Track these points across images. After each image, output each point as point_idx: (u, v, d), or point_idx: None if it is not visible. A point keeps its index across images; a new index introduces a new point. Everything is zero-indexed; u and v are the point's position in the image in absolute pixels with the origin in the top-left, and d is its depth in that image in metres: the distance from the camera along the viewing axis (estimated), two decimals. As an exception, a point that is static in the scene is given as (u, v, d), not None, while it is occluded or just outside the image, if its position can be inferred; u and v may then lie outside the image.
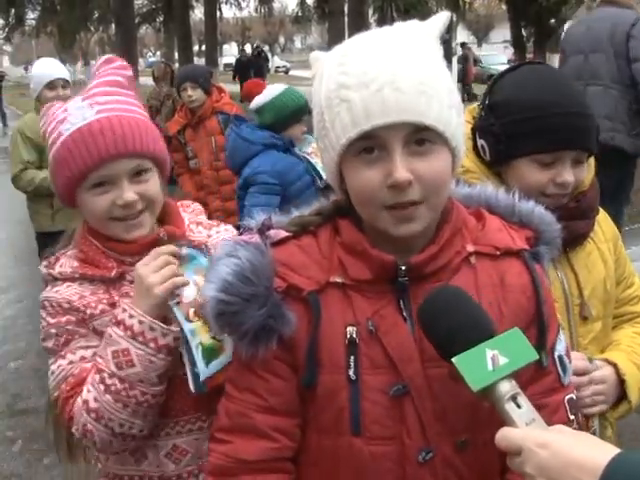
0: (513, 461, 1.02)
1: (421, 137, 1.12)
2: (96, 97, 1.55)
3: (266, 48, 66.32)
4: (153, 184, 1.57)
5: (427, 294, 1.15)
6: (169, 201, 1.69)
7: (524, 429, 1.02)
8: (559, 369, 1.28)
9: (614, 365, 1.71)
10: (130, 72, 1.64)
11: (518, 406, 1.04)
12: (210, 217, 5.36)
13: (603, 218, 1.85)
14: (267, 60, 29.24)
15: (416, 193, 1.13)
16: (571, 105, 1.60)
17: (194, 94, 5.28)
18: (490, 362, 1.06)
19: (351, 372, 1.18)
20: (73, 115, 1.53)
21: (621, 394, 1.71)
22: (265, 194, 3.88)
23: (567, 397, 1.29)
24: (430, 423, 1.19)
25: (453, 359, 1.06)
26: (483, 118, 1.68)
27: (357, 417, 1.19)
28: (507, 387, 1.05)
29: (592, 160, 1.76)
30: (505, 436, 1.02)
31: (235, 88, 27.02)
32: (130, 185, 1.52)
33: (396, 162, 1.11)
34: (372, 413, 1.19)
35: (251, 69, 25.69)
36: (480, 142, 1.70)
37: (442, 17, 1.23)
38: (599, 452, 0.95)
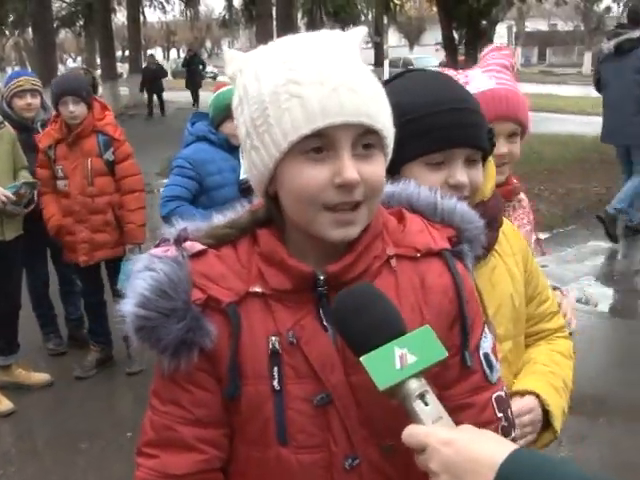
0: (418, 458, 1.07)
1: (368, 141, 1.15)
2: (492, 72, 2.00)
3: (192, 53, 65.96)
4: (517, 147, 2.03)
5: (336, 297, 1.17)
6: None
7: (430, 427, 1.06)
8: (485, 367, 1.30)
9: (536, 395, 1.71)
10: (511, 59, 2.07)
11: (425, 404, 1.07)
12: (74, 249, 5.30)
13: (510, 229, 1.84)
14: (204, 65, 28.17)
15: (360, 194, 1.15)
16: (454, 101, 1.59)
17: (76, 109, 4.78)
18: (398, 361, 1.08)
19: (275, 382, 1.20)
20: (477, 81, 1.97)
21: (544, 423, 1.72)
22: (179, 176, 4.15)
23: (495, 395, 1.31)
24: (355, 430, 1.21)
25: (361, 358, 1.08)
26: None
27: (283, 427, 1.21)
28: (415, 385, 1.07)
29: (492, 169, 1.75)
30: (411, 434, 1.06)
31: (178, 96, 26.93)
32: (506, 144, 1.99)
33: (346, 162, 1.12)
34: (297, 422, 1.21)
35: (193, 71, 25.30)
36: None
37: (361, 31, 1.27)
38: (500, 448, 1.02)
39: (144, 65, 24.91)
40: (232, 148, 4.24)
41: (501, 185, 2.02)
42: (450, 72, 1.94)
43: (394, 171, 1.58)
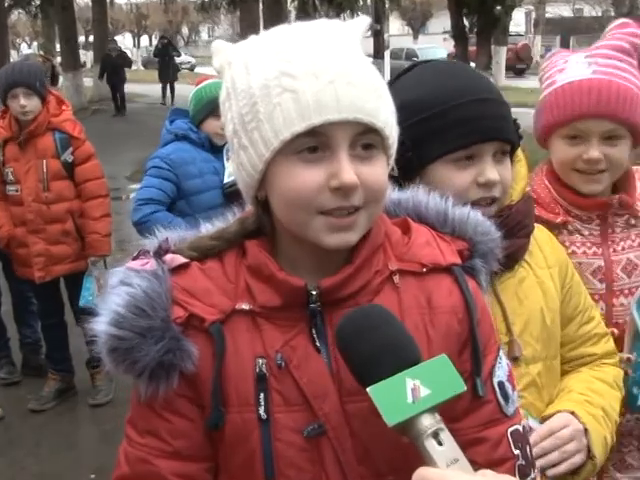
0: None
1: (367, 141, 1.17)
2: (597, 57, 1.99)
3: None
4: (620, 150, 1.98)
5: (340, 321, 1.18)
6: (630, 170, 2.12)
7: (443, 471, 1.04)
8: (499, 397, 1.30)
9: (570, 412, 1.71)
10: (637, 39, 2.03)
11: (440, 443, 1.06)
12: (28, 263, 5.28)
13: (545, 238, 1.85)
14: (178, 53, 27.80)
15: (359, 199, 1.16)
16: (479, 91, 1.61)
17: (29, 103, 4.74)
18: (410, 393, 1.07)
19: (261, 410, 1.21)
20: (571, 68, 1.99)
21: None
22: (155, 177, 4.17)
23: (511, 429, 1.30)
24: (351, 465, 1.21)
25: (368, 389, 1.08)
26: None
27: (270, 460, 1.21)
28: (428, 422, 1.07)
29: (524, 169, 1.77)
30: (422, 477, 1.04)
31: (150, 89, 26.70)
32: (599, 146, 1.95)
33: (343, 163, 1.14)
34: (286, 456, 1.21)
35: (166, 61, 24.81)
36: None
37: (363, 21, 1.28)
38: None
39: (108, 52, 24.16)
40: (215, 149, 4.28)
41: (592, 196, 2.04)
42: (559, 53, 2.05)
43: (413, 174, 1.62)
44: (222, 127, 4.07)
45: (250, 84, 1.17)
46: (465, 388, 1.13)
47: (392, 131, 1.21)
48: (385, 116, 1.18)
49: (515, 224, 1.70)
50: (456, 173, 1.60)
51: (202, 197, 4.18)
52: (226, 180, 4.19)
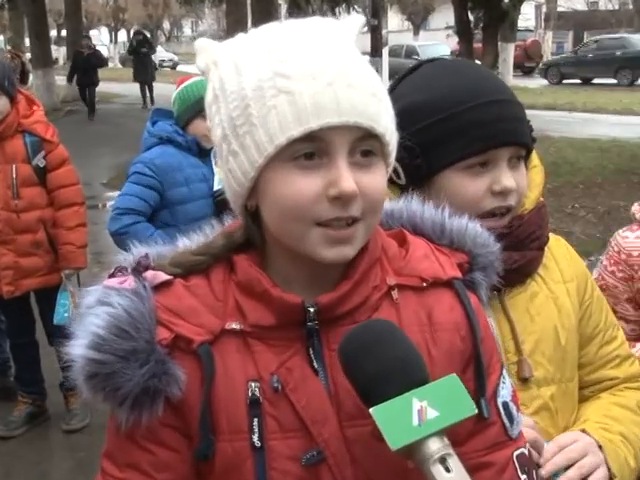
0: None
1: (367, 147, 1.18)
2: None
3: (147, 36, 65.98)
4: None
5: (342, 335, 1.19)
6: None
7: None
8: (504, 419, 1.31)
9: (581, 430, 1.68)
10: None
11: (447, 470, 1.06)
12: None
13: (564, 252, 1.84)
14: (152, 50, 27.01)
15: (357, 209, 1.17)
16: (493, 92, 1.61)
17: None
18: (416, 415, 1.08)
19: (255, 438, 1.20)
20: None
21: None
22: (137, 184, 4.10)
23: (516, 452, 1.32)
24: None
25: (371, 410, 1.09)
26: None
27: None
28: (435, 447, 1.07)
29: (538, 175, 1.76)
30: None
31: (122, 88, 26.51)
32: None
33: (342, 170, 1.14)
34: None
35: (142, 59, 24.21)
36: None
37: (358, 20, 1.30)
38: None
39: (79, 50, 23.28)
40: (203, 152, 4.25)
41: None
42: None
43: (421, 183, 1.62)
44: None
45: (242, 85, 1.17)
46: (476, 411, 1.14)
47: (392, 137, 1.23)
48: (385, 121, 1.20)
49: (527, 235, 1.69)
50: (469, 181, 1.60)
51: (188, 207, 4.16)
52: (216, 187, 4.16)
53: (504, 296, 1.69)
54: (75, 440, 5.10)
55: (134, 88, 25.95)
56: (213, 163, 4.21)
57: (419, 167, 1.61)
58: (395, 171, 1.64)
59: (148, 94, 24.60)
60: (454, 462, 1.07)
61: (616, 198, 11.12)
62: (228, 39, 1.28)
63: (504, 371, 1.37)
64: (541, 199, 1.79)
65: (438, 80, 1.65)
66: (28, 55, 22.77)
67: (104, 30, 70.49)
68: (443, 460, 1.07)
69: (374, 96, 1.18)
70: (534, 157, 1.74)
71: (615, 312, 2.01)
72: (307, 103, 1.13)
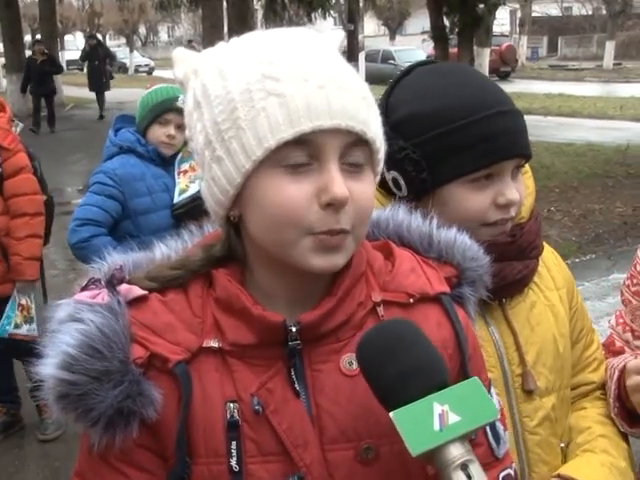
0: None
1: (356, 155, 1.15)
2: None
3: (122, 41, 65.77)
4: None
5: (325, 355, 1.18)
6: None
7: None
8: (491, 439, 1.29)
9: None
10: None
11: (469, 476, 1.05)
12: None
13: (552, 259, 1.85)
14: (112, 58, 25.86)
15: (348, 220, 1.14)
16: (497, 104, 1.59)
17: None
18: (437, 420, 1.06)
19: (233, 462, 1.17)
20: None
21: None
22: (97, 194, 4.04)
23: (503, 473, 1.30)
24: None
25: (391, 414, 1.07)
26: (387, 143, 1.56)
27: None
28: (456, 452, 1.06)
29: (531, 182, 1.76)
30: None
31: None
32: None
33: (334, 174, 1.12)
34: None
35: (96, 67, 22.93)
36: (391, 174, 1.63)
37: (338, 35, 1.28)
38: None
39: (32, 57, 20.96)
40: (166, 162, 4.20)
41: None
42: None
43: (424, 195, 1.60)
44: (168, 135, 4.08)
45: (228, 89, 1.14)
46: (498, 415, 1.12)
47: (381, 145, 1.21)
48: (375, 128, 1.18)
49: (528, 244, 1.69)
50: (473, 194, 1.58)
51: (151, 217, 4.10)
52: (176, 199, 4.10)
53: (506, 306, 1.69)
54: (50, 449, 5.06)
55: (110, 93, 25.65)
56: (176, 173, 4.16)
57: (424, 181, 1.59)
58: (395, 183, 1.63)
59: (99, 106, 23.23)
60: (475, 468, 1.06)
61: (592, 202, 11.22)
62: (205, 43, 1.25)
63: (492, 390, 1.34)
64: (535, 206, 1.78)
65: (441, 89, 1.61)
66: (2, 60, 22.56)
67: (79, 35, 70.20)
68: (465, 466, 1.06)
69: (364, 100, 1.17)
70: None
71: (633, 331, 1.99)
72: (299, 105, 1.10)
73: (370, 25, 57.57)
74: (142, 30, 75.01)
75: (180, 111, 3.98)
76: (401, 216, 1.38)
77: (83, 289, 1.25)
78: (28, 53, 23.79)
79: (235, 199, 1.17)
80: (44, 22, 29.52)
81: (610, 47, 41.30)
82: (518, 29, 52.01)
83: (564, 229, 9.85)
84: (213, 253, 1.27)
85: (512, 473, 1.32)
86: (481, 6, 18.87)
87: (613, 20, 41.03)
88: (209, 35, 16.01)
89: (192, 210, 3.93)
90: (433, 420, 1.06)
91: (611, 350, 1.99)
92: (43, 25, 29.97)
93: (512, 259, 1.65)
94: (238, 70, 1.15)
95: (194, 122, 1.21)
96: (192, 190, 4.04)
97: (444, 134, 1.56)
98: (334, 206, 1.12)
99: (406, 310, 1.26)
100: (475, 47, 21.32)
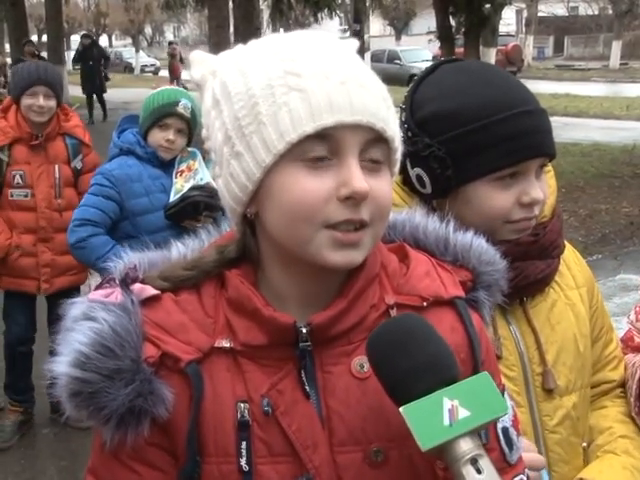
0: None
1: (376, 152, 1.16)
2: None
3: (128, 41, 65.82)
4: None
5: (336, 357, 1.19)
6: None
7: None
8: (503, 445, 1.28)
9: None
10: None
11: (478, 471, 1.05)
12: (32, 275, 5.12)
13: (573, 257, 1.84)
14: (106, 59, 24.75)
15: (367, 213, 1.15)
16: (523, 102, 1.60)
17: (46, 104, 4.86)
18: (447, 415, 1.07)
19: (243, 461, 1.17)
20: None
21: None
22: (96, 195, 4.10)
23: (516, 479, 1.29)
24: None
25: (401, 409, 1.07)
26: (412, 140, 1.62)
27: None
28: (466, 447, 1.07)
29: (553, 180, 1.76)
30: None
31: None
32: None
33: (353, 169, 1.12)
34: None
35: (90, 68, 22.08)
36: (415, 171, 1.65)
37: (353, 43, 1.28)
38: None
39: (21, 59, 19.04)
40: (164, 164, 4.21)
41: None
42: None
43: (447, 192, 1.61)
44: (167, 139, 4.10)
45: (249, 85, 1.15)
46: (508, 410, 1.12)
47: (399, 146, 1.22)
48: (394, 127, 1.19)
49: (550, 243, 1.70)
50: (498, 193, 1.59)
51: (149, 218, 4.11)
52: (171, 200, 4.12)
53: (527, 305, 1.69)
54: (56, 448, 5.08)
55: (116, 93, 25.58)
56: (174, 174, 4.18)
57: (449, 178, 1.60)
58: (420, 180, 1.64)
59: (102, 108, 22.31)
60: (485, 463, 1.07)
61: (598, 202, 11.21)
62: (211, 44, 1.26)
63: (506, 394, 1.33)
64: (558, 205, 1.79)
65: (466, 87, 1.62)
66: (8, 60, 22.56)
67: (85, 35, 70.18)
68: (474, 461, 1.06)
69: (384, 100, 1.18)
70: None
71: None
72: (320, 100, 1.11)
73: (376, 25, 57.52)
74: (148, 30, 75.09)
75: (180, 116, 4.04)
76: (418, 219, 1.38)
77: (98, 287, 1.25)
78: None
79: (253, 195, 1.18)
80: (50, 22, 29.50)
81: (616, 47, 41.17)
82: (524, 29, 51.93)
83: (570, 229, 9.83)
84: (226, 254, 1.27)
85: (525, 479, 1.32)
86: (487, 6, 18.84)
87: (619, 20, 40.90)
88: (215, 35, 16.04)
89: (183, 210, 4.04)
90: (443, 415, 1.07)
91: (630, 346, 1.99)
92: (49, 25, 29.95)
93: (534, 258, 1.66)
94: (259, 67, 1.16)
95: (212, 120, 1.21)
96: (186, 190, 4.08)
97: (469, 132, 1.57)
98: (354, 200, 1.13)
99: (420, 313, 1.24)
100: (481, 47, 21.30)
